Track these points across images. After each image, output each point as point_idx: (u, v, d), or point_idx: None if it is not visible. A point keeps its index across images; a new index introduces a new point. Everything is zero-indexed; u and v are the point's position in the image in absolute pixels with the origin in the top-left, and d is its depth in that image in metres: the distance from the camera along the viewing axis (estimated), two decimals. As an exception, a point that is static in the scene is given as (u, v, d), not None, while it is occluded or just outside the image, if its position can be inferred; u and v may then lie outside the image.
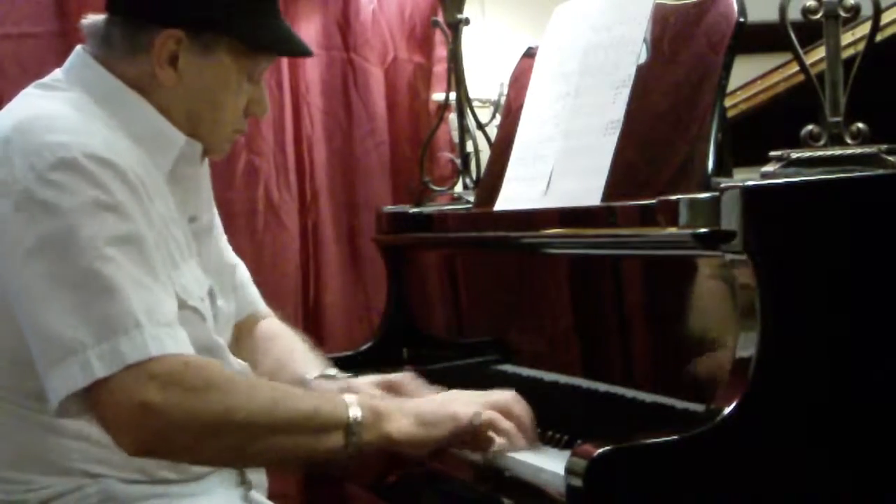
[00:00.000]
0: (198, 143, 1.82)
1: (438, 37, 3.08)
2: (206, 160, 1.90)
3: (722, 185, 1.62)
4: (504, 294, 2.20)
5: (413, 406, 1.76)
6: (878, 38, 1.75)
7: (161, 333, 1.61)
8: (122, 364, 1.57)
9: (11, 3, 2.83)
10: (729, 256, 1.60)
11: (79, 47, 1.83)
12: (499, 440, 1.75)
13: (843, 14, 1.71)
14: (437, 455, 1.77)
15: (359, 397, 1.72)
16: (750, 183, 1.61)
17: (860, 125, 1.70)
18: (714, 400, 1.59)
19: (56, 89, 1.78)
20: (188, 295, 1.77)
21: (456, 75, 2.73)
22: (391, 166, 3.15)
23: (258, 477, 1.91)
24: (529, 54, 2.32)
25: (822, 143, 1.71)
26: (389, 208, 2.64)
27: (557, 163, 2.07)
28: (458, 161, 2.77)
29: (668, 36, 1.96)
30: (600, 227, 1.86)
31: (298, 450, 1.67)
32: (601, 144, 1.96)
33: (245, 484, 1.89)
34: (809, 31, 1.76)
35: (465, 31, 2.74)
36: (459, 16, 2.72)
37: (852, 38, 1.85)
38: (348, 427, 1.67)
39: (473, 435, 1.74)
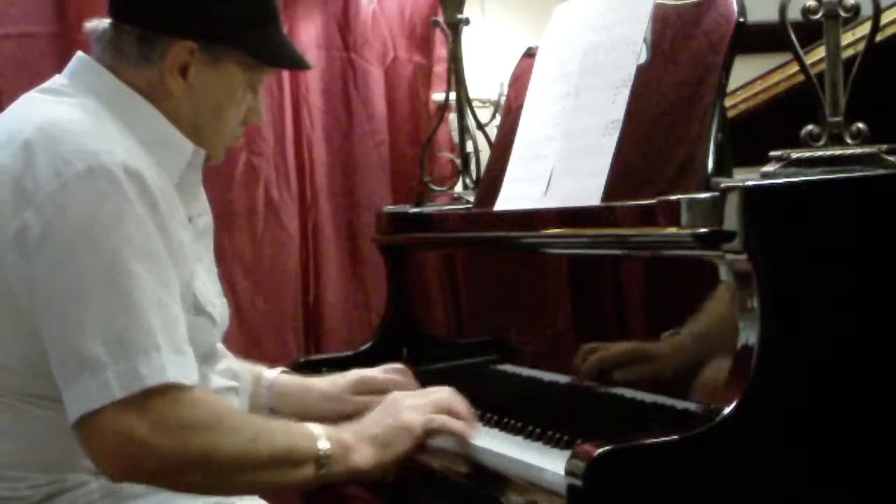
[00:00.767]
0: (202, 150, 1.84)
1: (438, 37, 3.08)
2: None
3: (722, 185, 1.62)
4: (504, 294, 2.20)
5: (368, 429, 1.84)
6: (878, 38, 1.74)
7: (174, 361, 1.63)
8: (140, 386, 1.59)
9: (11, 3, 2.82)
10: (729, 256, 1.60)
11: (80, 53, 1.83)
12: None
13: (843, 14, 1.71)
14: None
15: (325, 430, 1.78)
16: (750, 183, 1.61)
17: (860, 125, 1.70)
18: (714, 400, 1.59)
19: (63, 94, 1.78)
20: (206, 302, 1.80)
21: (456, 75, 2.73)
22: (391, 166, 3.14)
23: None
24: (529, 54, 2.32)
25: (822, 143, 1.71)
26: (389, 208, 2.64)
27: (557, 163, 2.07)
28: (458, 161, 2.77)
29: (668, 36, 1.96)
30: (600, 227, 1.86)
31: (273, 483, 1.75)
32: (601, 144, 1.96)
33: None
34: (809, 31, 1.76)
35: (465, 31, 2.74)
36: (459, 16, 2.72)
37: (852, 38, 1.85)
38: (318, 460, 1.75)
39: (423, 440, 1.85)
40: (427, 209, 2.55)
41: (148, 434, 1.60)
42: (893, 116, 1.74)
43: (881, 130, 1.72)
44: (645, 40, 1.98)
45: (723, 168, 1.81)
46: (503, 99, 2.45)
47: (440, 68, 3.10)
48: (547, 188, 2.07)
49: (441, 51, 3.07)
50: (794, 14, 1.71)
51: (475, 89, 2.83)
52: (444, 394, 1.92)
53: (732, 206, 1.59)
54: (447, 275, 2.42)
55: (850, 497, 1.61)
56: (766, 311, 1.57)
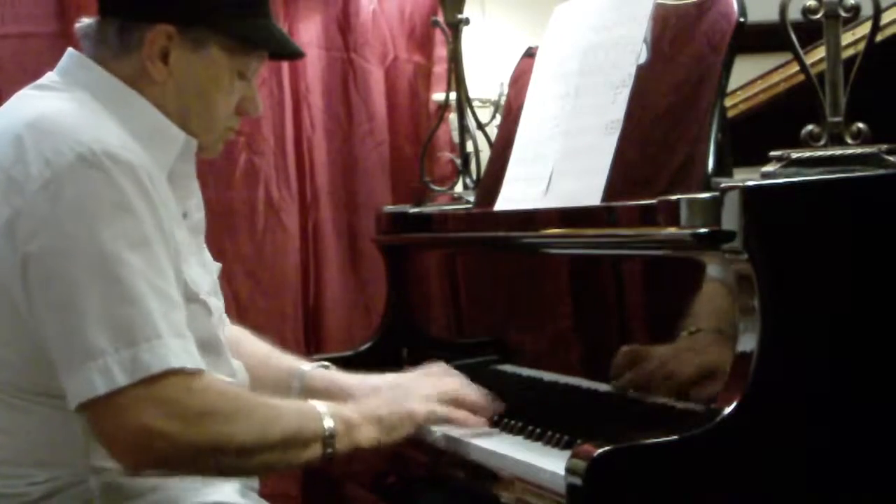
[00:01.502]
0: (194, 140, 1.84)
1: (438, 37, 3.08)
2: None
3: (722, 185, 1.62)
4: (504, 294, 2.20)
5: (375, 410, 1.86)
6: (878, 38, 1.74)
7: (177, 346, 1.63)
8: (144, 373, 1.60)
9: (12, 3, 2.83)
10: (729, 256, 1.60)
11: (70, 49, 1.85)
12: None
13: (843, 14, 1.71)
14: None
15: (330, 407, 1.80)
16: (750, 183, 1.61)
17: (860, 125, 1.70)
18: (714, 400, 1.59)
19: (54, 90, 1.79)
20: (198, 288, 1.79)
21: (456, 75, 2.73)
22: (391, 166, 3.14)
23: None
24: (529, 54, 2.32)
25: (822, 143, 1.71)
26: (389, 208, 2.64)
27: (557, 163, 2.07)
28: (458, 161, 2.77)
29: (668, 36, 1.96)
30: (600, 227, 1.86)
31: (283, 463, 1.78)
32: (601, 144, 1.96)
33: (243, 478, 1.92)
34: (809, 31, 1.76)
35: (465, 31, 2.74)
36: (459, 16, 2.72)
37: (852, 38, 1.85)
38: (324, 439, 1.76)
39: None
40: (427, 209, 2.55)
41: (167, 425, 1.61)
42: (893, 116, 1.74)
43: (881, 130, 1.72)
44: (645, 40, 1.98)
45: (723, 168, 1.81)
46: (503, 99, 2.45)
47: (440, 68, 3.10)
48: (547, 188, 2.07)
49: (441, 51, 3.07)
50: (794, 14, 1.71)
51: (475, 89, 2.83)
52: (453, 383, 1.94)
53: (732, 205, 1.59)
54: (447, 275, 2.42)
55: (850, 497, 1.61)
56: (766, 311, 1.57)
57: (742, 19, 1.82)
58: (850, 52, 1.77)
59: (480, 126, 2.76)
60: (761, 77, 2.22)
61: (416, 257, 2.50)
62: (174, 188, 1.81)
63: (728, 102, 2.09)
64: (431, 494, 2.08)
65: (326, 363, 2.15)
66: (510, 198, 2.17)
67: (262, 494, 1.97)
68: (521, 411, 1.91)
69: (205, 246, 1.98)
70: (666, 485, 1.53)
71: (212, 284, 1.93)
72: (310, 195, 3.08)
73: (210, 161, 2.25)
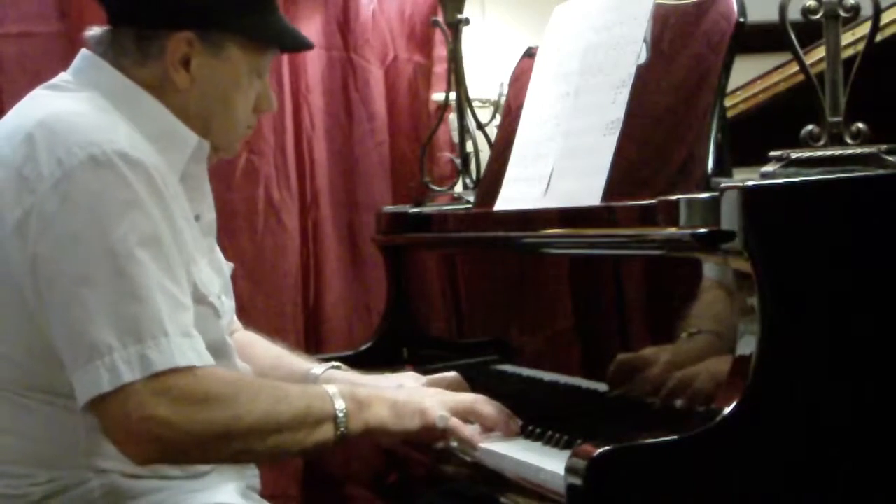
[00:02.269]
0: (207, 142, 1.84)
1: (438, 37, 3.08)
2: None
3: (722, 185, 1.62)
4: (504, 294, 2.20)
5: (388, 394, 1.85)
6: (878, 38, 1.75)
7: (184, 344, 1.64)
8: (150, 370, 1.61)
9: (13, 2, 2.83)
10: (728, 256, 1.60)
11: (84, 50, 1.84)
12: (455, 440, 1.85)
13: (843, 14, 1.71)
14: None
15: (339, 388, 1.79)
16: (750, 183, 1.61)
17: (860, 125, 1.70)
18: (714, 400, 1.59)
19: (67, 90, 1.79)
20: (208, 290, 1.80)
21: (456, 75, 2.73)
22: (391, 166, 3.14)
23: (252, 471, 1.95)
24: (529, 54, 2.32)
25: (822, 143, 1.71)
26: (389, 208, 2.64)
27: (557, 163, 2.07)
28: (458, 161, 2.77)
29: (668, 36, 1.96)
30: (600, 227, 1.86)
31: (296, 445, 1.74)
32: (601, 144, 1.96)
33: (244, 479, 1.92)
34: (809, 31, 1.76)
35: (465, 31, 2.74)
36: (459, 16, 2.72)
37: (852, 38, 1.85)
38: (336, 419, 1.74)
39: (436, 436, 1.84)
40: (427, 209, 2.55)
41: (170, 412, 1.61)
42: (893, 116, 1.74)
43: (881, 130, 1.72)
44: (645, 40, 1.98)
45: (723, 168, 1.81)
46: (503, 99, 2.46)
47: (440, 68, 3.10)
48: (547, 188, 2.07)
49: (441, 51, 3.07)
50: (794, 14, 1.71)
51: (475, 89, 2.83)
52: (469, 397, 1.91)
53: (732, 205, 1.59)
54: (447, 275, 2.42)
55: (850, 497, 1.61)
56: (766, 311, 1.57)
57: (742, 19, 1.82)
58: (849, 52, 1.77)
59: (480, 126, 2.76)
60: (761, 77, 2.22)
61: (416, 257, 2.50)
62: (186, 190, 1.81)
63: (728, 102, 2.09)
64: (431, 494, 2.08)
65: (338, 363, 2.14)
66: (510, 198, 2.17)
67: (262, 495, 1.96)
68: (521, 411, 1.91)
69: (217, 247, 1.99)
70: (666, 485, 1.53)
71: (223, 286, 1.93)
72: (310, 195, 3.08)
73: (211, 161, 2.24)
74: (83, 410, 1.63)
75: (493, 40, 3.14)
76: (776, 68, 2.18)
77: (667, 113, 1.91)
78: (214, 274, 1.89)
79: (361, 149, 3.11)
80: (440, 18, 2.82)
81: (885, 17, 1.91)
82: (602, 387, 1.89)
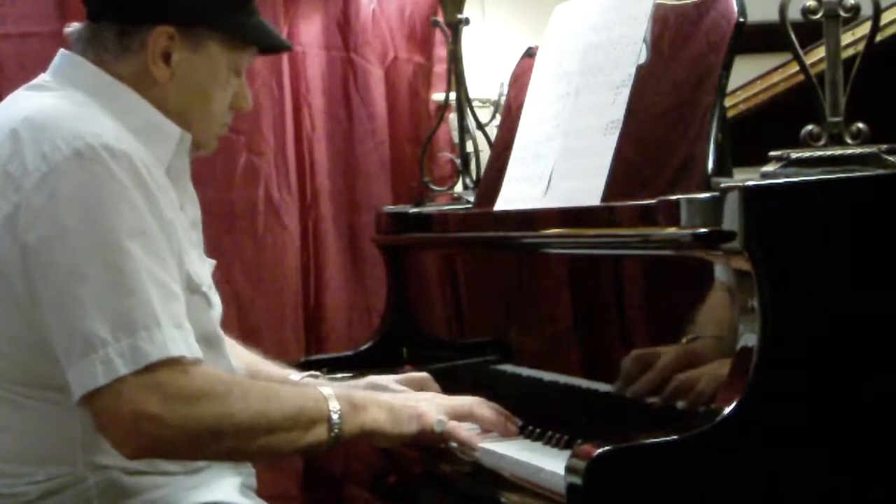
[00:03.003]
0: (189, 135, 1.85)
1: (438, 37, 3.08)
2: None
3: (722, 185, 1.62)
4: (504, 294, 2.20)
5: (384, 398, 1.85)
6: (878, 38, 1.74)
7: (176, 336, 1.64)
8: (142, 362, 1.61)
9: (12, 2, 2.83)
10: (729, 256, 1.60)
11: (62, 50, 1.86)
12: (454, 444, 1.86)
13: (843, 14, 1.71)
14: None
15: (335, 390, 1.80)
16: (750, 183, 1.61)
17: (860, 125, 1.70)
18: (714, 400, 1.59)
19: (48, 89, 1.81)
20: (200, 280, 1.80)
21: (456, 75, 2.73)
22: (391, 166, 3.14)
23: (248, 469, 1.96)
24: (529, 54, 2.32)
25: (822, 143, 1.71)
26: (389, 208, 2.64)
27: (557, 163, 2.07)
28: (458, 161, 2.77)
29: (668, 36, 1.96)
30: (600, 227, 1.86)
31: (288, 445, 1.76)
32: (601, 144, 1.96)
33: (241, 475, 1.92)
34: (809, 31, 1.76)
35: (465, 31, 2.74)
36: (459, 16, 2.72)
37: (852, 38, 1.85)
38: (330, 420, 1.75)
39: (434, 439, 1.85)
40: (427, 209, 2.55)
41: (160, 408, 1.61)
42: (893, 116, 1.74)
43: (881, 130, 1.72)
44: (645, 40, 1.98)
45: (723, 168, 1.81)
46: (503, 99, 2.45)
47: (440, 68, 3.10)
48: (547, 188, 2.07)
49: (441, 51, 3.07)
50: (794, 14, 1.71)
51: (475, 89, 2.83)
52: (467, 400, 1.91)
53: (732, 205, 1.59)
54: (447, 275, 2.42)
55: (850, 497, 1.61)
56: (766, 310, 1.57)
57: (742, 19, 1.82)
58: (849, 52, 1.77)
59: (480, 126, 2.76)
60: (761, 77, 2.22)
61: (416, 257, 2.50)
62: (171, 183, 1.81)
63: (728, 102, 2.09)
64: (431, 494, 2.08)
65: (317, 372, 2.16)
66: (510, 198, 2.17)
67: (262, 495, 1.96)
68: (520, 411, 1.91)
69: (202, 243, 1.99)
70: (666, 485, 1.53)
71: (210, 282, 1.93)
72: (310, 195, 3.08)
73: (210, 161, 2.25)
74: (78, 405, 1.64)
75: (493, 40, 3.14)
76: (776, 68, 2.18)
77: (667, 113, 1.91)
78: (204, 266, 1.90)
79: (361, 149, 3.11)
80: (440, 18, 2.82)
81: (885, 17, 1.91)
82: (602, 387, 1.89)
